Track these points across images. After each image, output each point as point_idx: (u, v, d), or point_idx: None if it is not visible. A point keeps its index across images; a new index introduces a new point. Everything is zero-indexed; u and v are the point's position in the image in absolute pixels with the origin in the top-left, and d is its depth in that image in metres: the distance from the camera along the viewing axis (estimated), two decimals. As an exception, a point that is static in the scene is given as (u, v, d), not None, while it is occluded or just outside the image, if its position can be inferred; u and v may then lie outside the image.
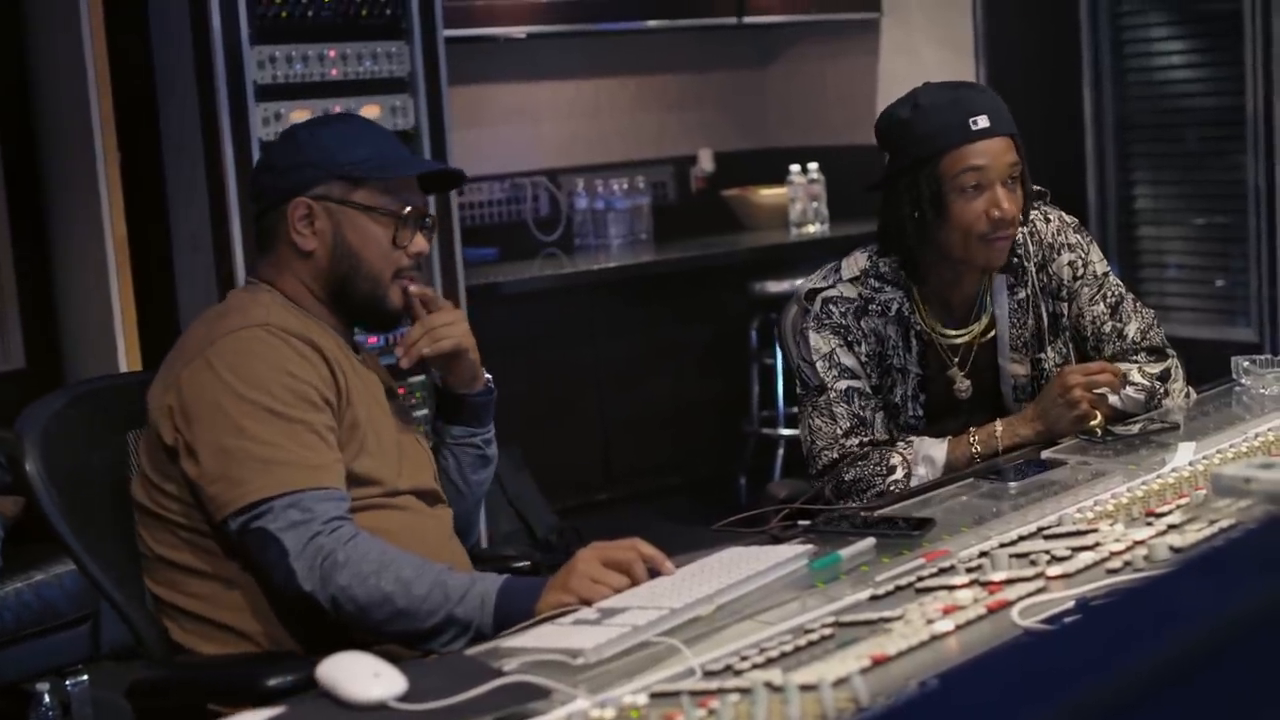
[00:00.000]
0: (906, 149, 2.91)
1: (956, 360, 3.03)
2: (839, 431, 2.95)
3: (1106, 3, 6.03)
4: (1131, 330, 3.09)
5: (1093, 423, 2.87)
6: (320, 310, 2.51)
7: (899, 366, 2.99)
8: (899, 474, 2.88)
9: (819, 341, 2.98)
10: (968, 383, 3.03)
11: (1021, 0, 6.11)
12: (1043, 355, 3.05)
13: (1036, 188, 3.07)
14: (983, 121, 2.87)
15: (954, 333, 3.04)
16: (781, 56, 6.83)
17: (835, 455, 2.94)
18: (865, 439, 2.94)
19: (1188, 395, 3.13)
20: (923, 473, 2.88)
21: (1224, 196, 5.86)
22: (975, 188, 2.88)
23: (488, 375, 2.70)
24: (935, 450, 2.91)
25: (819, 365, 2.98)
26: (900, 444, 2.94)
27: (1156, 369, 3.07)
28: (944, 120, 2.88)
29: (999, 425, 2.92)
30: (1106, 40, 6.06)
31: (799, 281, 5.74)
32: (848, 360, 2.97)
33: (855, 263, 3.03)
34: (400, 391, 2.72)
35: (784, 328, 3.27)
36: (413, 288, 2.53)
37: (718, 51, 6.71)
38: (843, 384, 2.96)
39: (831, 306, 2.98)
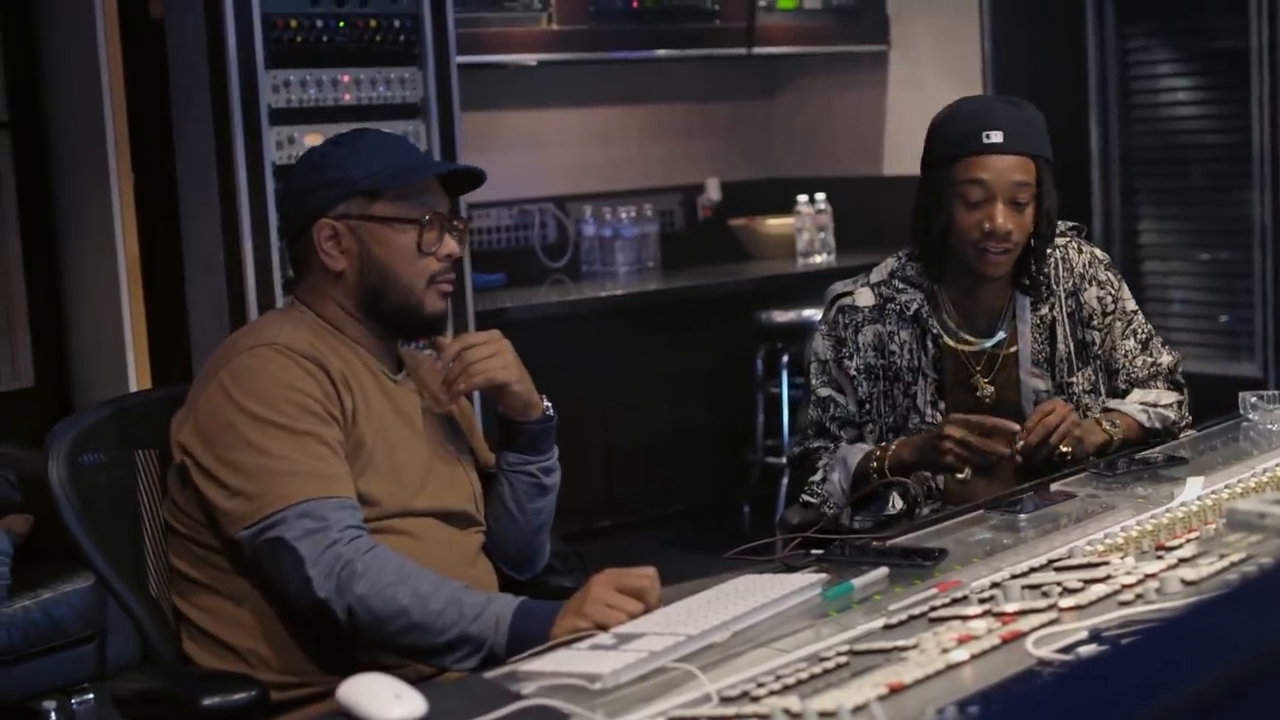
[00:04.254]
0: (932, 149, 3.05)
1: (979, 369, 3.09)
2: (809, 433, 3.11)
3: (1114, 39, 6.07)
4: (1165, 361, 3.20)
5: (959, 475, 2.90)
6: (358, 330, 2.53)
7: (912, 369, 3.05)
8: (818, 475, 3.02)
9: (821, 347, 3.12)
10: (991, 388, 3.08)
11: (1029, 35, 6.14)
12: (1073, 380, 3.11)
13: (1072, 224, 3.18)
14: (996, 137, 2.95)
15: (974, 340, 3.09)
16: (789, 87, 6.86)
17: (798, 451, 3.13)
18: (827, 445, 3.07)
19: (1185, 420, 3.22)
20: (836, 477, 3.00)
21: (1230, 232, 5.88)
22: (977, 200, 2.96)
23: (547, 404, 2.69)
24: (851, 456, 3.00)
25: (814, 366, 3.13)
26: (834, 447, 3.06)
27: (1173, 399, 3.17)
28: (963, 129, 2.99)
29: (893, 445, 2.97)
30: (1114, 76, 6.09)
31: (805, 312, 5.82)
32: (836, 372, 3.09)
33: (885, 265, 3.13)
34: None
35: None
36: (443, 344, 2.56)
37: (726, 82, 6.75)
38: (825, 391, 3.10)
39: (841, 315, 3.10)
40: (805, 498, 3.03)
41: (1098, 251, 3.20)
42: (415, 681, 1.96)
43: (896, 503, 2.96)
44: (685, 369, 6.32)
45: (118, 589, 2.45)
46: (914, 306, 3.06)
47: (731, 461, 6.24)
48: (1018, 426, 2.85)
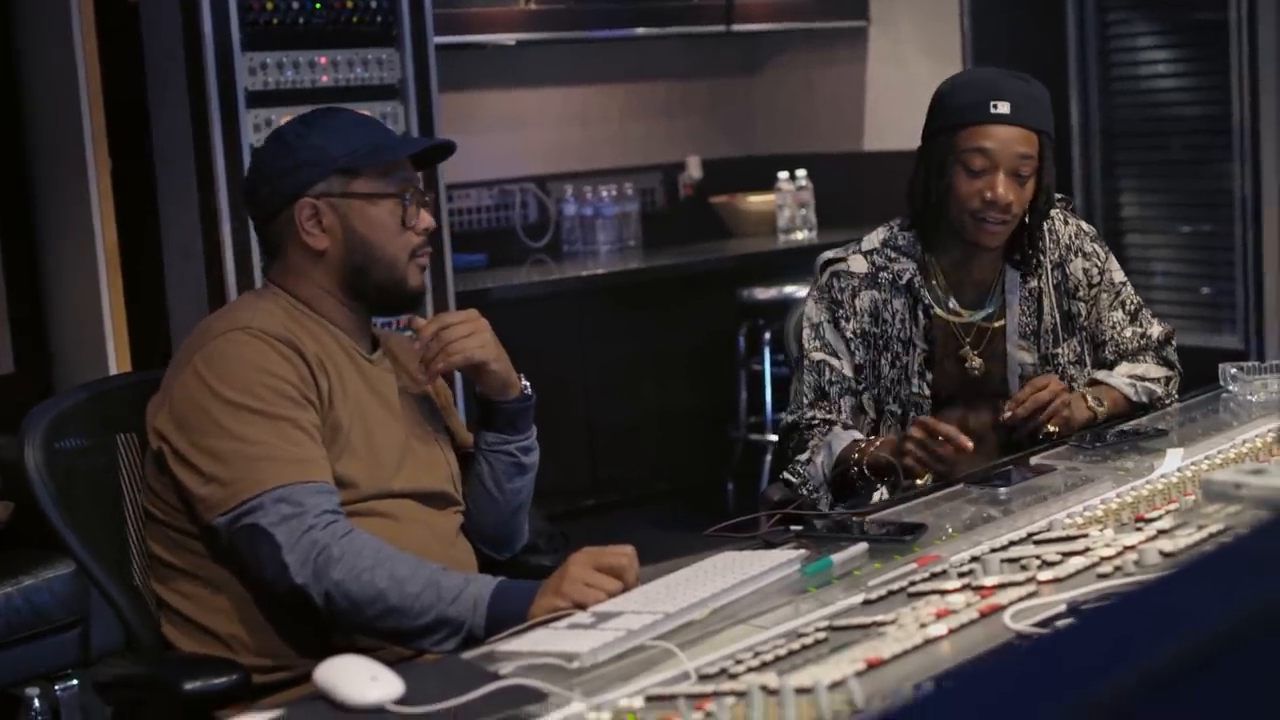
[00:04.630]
0: (936, 117, 3.05)
1: (968, 340, 3.09)
2: (804, 400, 3.06)
3: (1093, 12, 6.06)
4: (1155, 332, 3.22)
5: (918, 481, 2.84)
6: (336, 310, 2.52)
7: (903, 338, 3.05)
8: (805, 455, 2.98)
9: (813, 311, 3.09)
10: (980, 360, 3.09)
11: (1008, 8, 6.13)
12: (1058, 351, 3.12)
13: (1060, 195, 3.17)
14: (1003, 107, 2.96)
15: (964, 312, 3.09)
16: (769, 64, 6.85)
17: (791, 419, 3.07)
18: (826, 415, 3.03)
19: (1172, 395, 3.23)
20: (820, 461, 2.95)
21: (1210, 205, 5.88)
22: (979, 168, 2.96)
23: (525, 383, 2.68)
24: (837, 443, 2.95)
25: (806, 332, 3.09)
26: (830, 429, 3.01)
27: (1161, 374, 3.18)
28: (971, 98, 2.99)
29: (875, 443, 2.91)
30: (1093, 49, 6.08)
31: (787, 289, 5.82)
32: (831, 336, 3.06)
33: (877, 234, 3.13)
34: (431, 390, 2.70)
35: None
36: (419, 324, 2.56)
37: (706, 59, 6.73)
38: (818, 355, 3.06)
39: (835, 280, 3.07)
40: (787, 475, 3.02)
41: (1084, 224, 3.21)
42: (393, 663, 1.96)
43: (883, 494, 2.91)
44: (667, 347, 6.32)
45: (96, 574, 2.44)
46: (906, 276, 3.06)
47: (714, 439, 6.24)
48: (969, 445, 2.74)
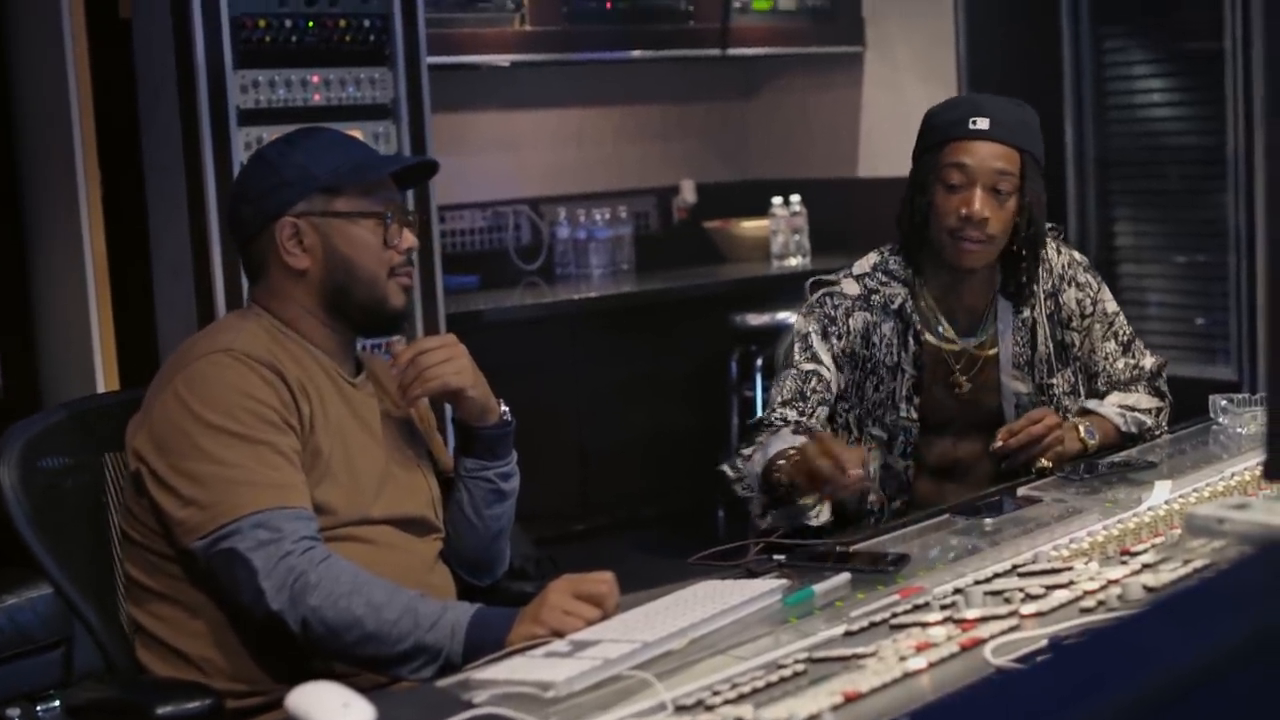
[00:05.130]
0: (921, 138, 3.06)
1: (958, 367, 3.07)
2: (779, 399, 3.00)
3: (1089, 39, 6.06)
4: (1148, 363, 3.21)
5: (806, 501, 2.76)
6: (318, 332, 2.50)
7: (890, 364, 3.02)
8: (748, 450, 2.88)
9: (802, 324, 3.07)
10: (969, 385, 3.07)
11: (1004, 35, 6.13)
12: (1053, 381, 3.10)
13: (1052, 225, 3.16)
14: (982, 123, 2.96)
15: (957, 341, 3.08)
16: (765, 89, 6.85)
17: (759, 417, 3.02)
18: (797, 416, 2.95)
19: (1162, 426, 3.23)
20: (758, 459, 2.82)
21: (1205, 235, 5.87)
22: (957, 184, 2.95)
23: (504, 408, 2.66)
24: (776, 443, 2.79)
25: (796, 345, 3.05)
26: (783, 426, 2.91)
27: (1153, 405, 3.17)
28: (953, 116, 3.01)
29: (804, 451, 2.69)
30: (1089, 77, 6.08)
31: (780, 314, 5.80)
32: (819, 346, 3.03)
33: (867, 259, 3.12)
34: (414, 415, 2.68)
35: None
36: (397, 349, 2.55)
37: (701, 83, 6.72)
38: (807, 365, 3.02)
39: (826, 299, 3.06)
40: (725, 468, 2.93)
41: (1076, 253, 3.20)
42: (367, 690, 1.94)
43: (822, 514, 2.83)
44: (660, 372, 6.30)
45: (70, 595, 2.42)
46: (898, 301, 3.05)
47: (706, 465, 6.17)
48: (855, 475, 2.53)
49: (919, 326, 3.04)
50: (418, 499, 2.56)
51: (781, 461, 2.72)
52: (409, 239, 2.51)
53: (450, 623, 2.20)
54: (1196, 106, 5.87)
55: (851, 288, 3.07)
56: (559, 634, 2.10)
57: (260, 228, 2.49)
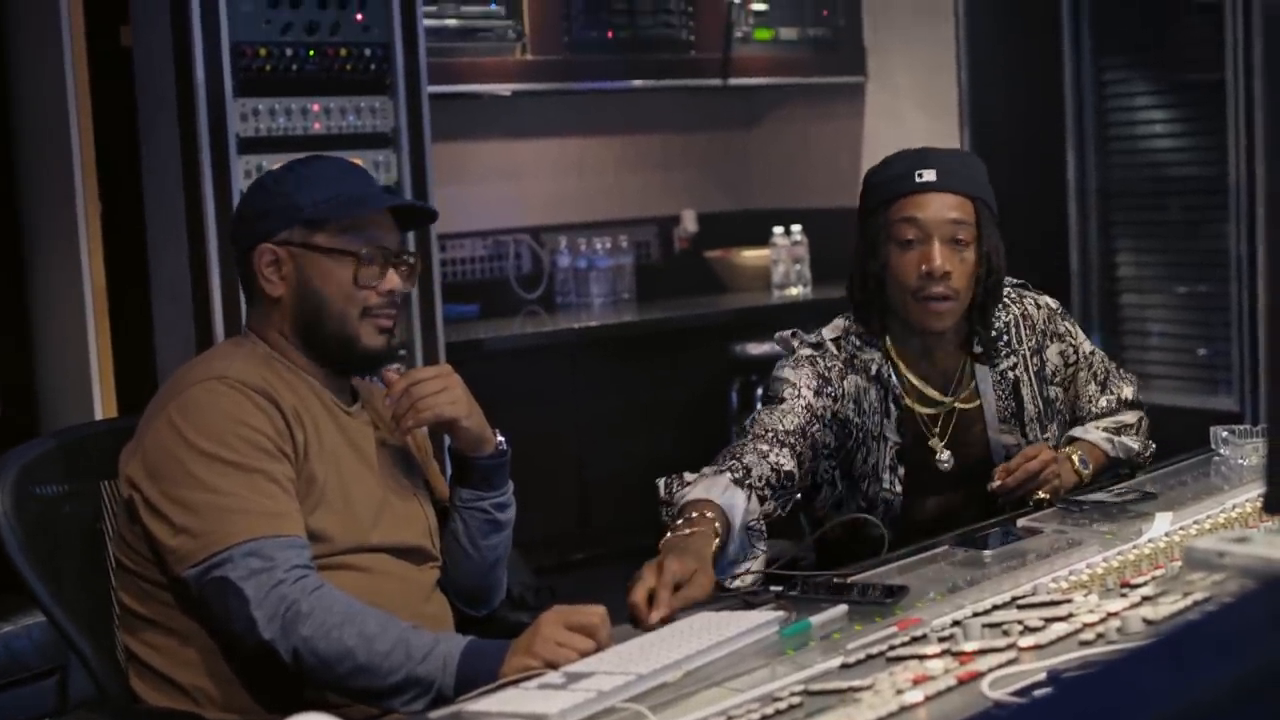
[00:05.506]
0: (866, 199, 2.93)
1: (936, 430, 2.98)
2: (781, 427, 2.79)
3: (1090, 70, 6.05)
4: (1127, 392, 3.15)
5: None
6: (303, 360, 2.49)
7: (876, 434, 2.92)
8: (690, 476, 2.69)
9: (792, 374, 2.88)
10: (948, 453, 2.97)
11: (1006, 66, 6.13)
12: (1046, 436, 3.04)
13: (1016, 280, 3.06)
14: (929, 175, 2.84)
15: (936, 399, 2.98)
16: (766, 119, 6.85)
17: (750, 444, 2.77)
18: (757, 435, 2.77)
19: (1149, 448, 3.16)
20: (678, 495, 2.65)
21: (1206, 265, 5.86)
22: (911, 240, 2.84)
23: (500, 438, 2.64)
24: (693, 492, 2.61)
25: (786, 390, 2.85)
26: (721, 473, 2.69)
27: (1132, 418, 3.13)
28: (895, 172, 2.88)
29: (695, 526, 2.54)
30: (1090, 108, 6.07)
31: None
32: (816, 402, 2.86)
33: (836, 325, 2.99)
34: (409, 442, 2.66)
35: None
36: (389, 377, 2.52)
37: (703, 112, 6.72)
38: (793, 422, 2.81)
39: (817, 354, 2.92)
40: (659, 483, 2.75)
41: (1050, 301, 3.11)
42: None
43: (754, 564, 2.63)
44: (659, 401, 6.27)
45: (62, 623, 2.41)
46: (874, 366, 2.93)
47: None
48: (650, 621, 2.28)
49: (898, 392, 2.93)
50: (414, 528, 2.55)
51: (680, 522, 2.55)
52: (392, 281, 2.48)
53: (442, 655, 2.18)
54: (1198, 137, 5.86)
55: (834, 350, 2.93)
56: (552, 666, 2.09)
57: (245, 250, 2.50)
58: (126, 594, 2.42)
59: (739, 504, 2.62)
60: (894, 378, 2.94)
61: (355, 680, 2.20)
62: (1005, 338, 3.02)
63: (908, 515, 2.95)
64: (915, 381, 2.97)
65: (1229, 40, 5.51)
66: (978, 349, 2.98)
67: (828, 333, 2.97)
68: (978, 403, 3.01)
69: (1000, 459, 2.99)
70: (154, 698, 2.37)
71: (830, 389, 2.89)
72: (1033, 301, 3.08)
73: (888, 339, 2.95)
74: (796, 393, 2.86)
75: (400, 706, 2.19)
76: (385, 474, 2.53)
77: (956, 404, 2.99)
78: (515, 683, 2.05)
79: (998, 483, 2.88)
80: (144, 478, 2.34)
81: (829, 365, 2.91)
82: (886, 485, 2.93)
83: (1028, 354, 3.04)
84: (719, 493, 2.61)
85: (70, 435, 2.66)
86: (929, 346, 2.96)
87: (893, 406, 2.93)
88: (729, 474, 2.70)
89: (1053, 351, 3.08)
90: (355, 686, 2.21)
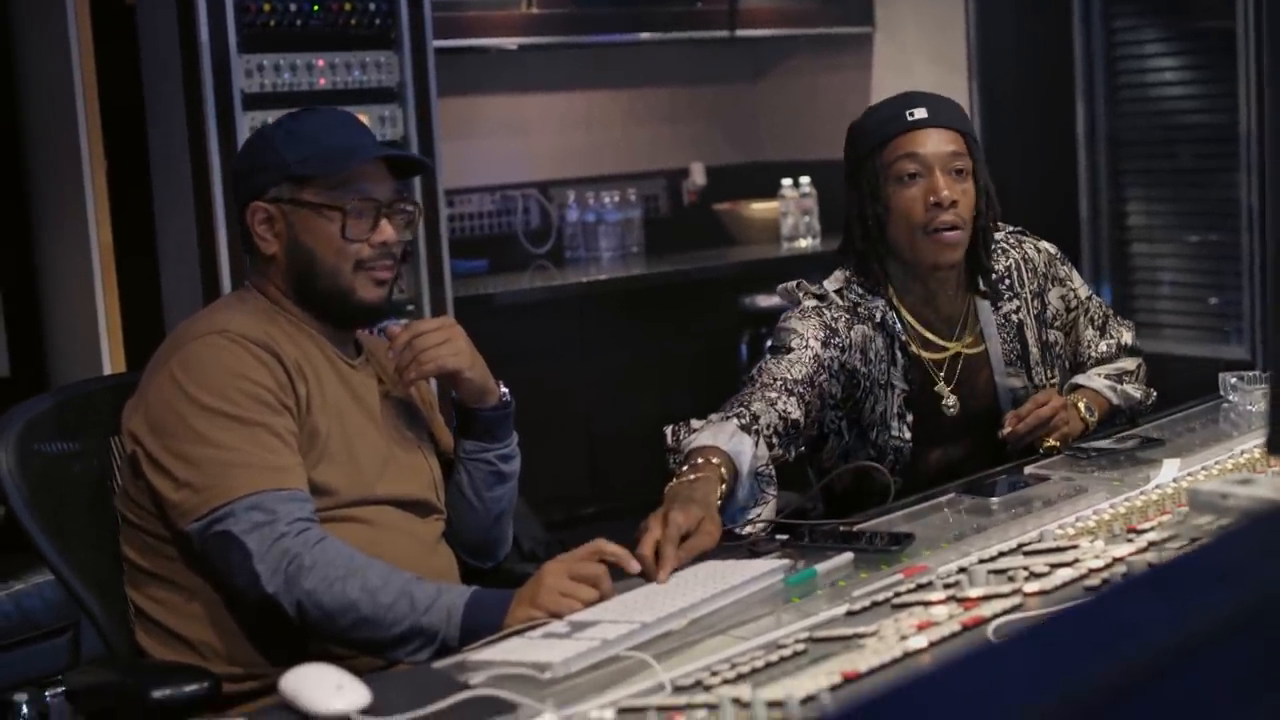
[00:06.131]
0: (854, 148, 2.93)
1: (942, 375, 2.97)
2: (791, 375, 2.79)
3: (1100, 18, 6.01)
4: (1126, 338, 3.14)
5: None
6: (302, 313, 2.48)
7: (883, 382, 2.91)
8: (696, 423, 2.68)
9: (800, 325, 2.86)
10: (954, 398, 2.97)
11: (1015, 15, 6.09)
12: (1054, 380, 3.05)
13: (1013, 227, 3.07)
14: (920, 113, 2.86)
15: (940, 344, 2.98)
16: (774, 70, 6.81)
17: (759, 392, 2.77)
18: (764, 383, 2.78)
19: (1151, 396, 3.15)
20: (685, 441, 2.65)
21: (1218, 214, 5.83)
22: (913, 176, 2.85)
23: (504, 390, 2.64)
24: (699, 438, 2.60)
25: (794, 340, 2.84)
26: (727, 420, 2.69)
27: (1132, 364, 3.13)
28: (884, 115, 2.90)
29: (701, 472, 2.55)
30: (1100, 56, 6.04)
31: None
32: (824, 353, 2.83)
33: (836, 277, 2.98)
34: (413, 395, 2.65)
35: None
36: (392, 331, 2.51)
37: (710, 65, 6.69)
38: (801, 371, 2.80)
39: (822, 304, 2.90)
40: (666, 430, 2.75)
41: (1048, 246, 3.11)
42: (363, 671, 1.92)
43: (765, 510, 2.61)
44: (669, 355, 6.27)
45: (69, 579, 2.41)
46: (879, 314, 2.91)
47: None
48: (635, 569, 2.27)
49: (904, 338, 2.93)
50: (419, 480, 2.55)
51: (685, 469, 2.55)
52: (384, 232, 2.45)
53: (446, 605, 2.18)
54: (1209, 85, 5.83)
55: (839, 300, 2.92)
56: (556, 616, 2.09)
57: (240, 208, 2.50)
58: (131, 549, 2.42)
59: (746, 450, 2.60)
60: (899, 325, 2.93)
61: (359, 632, 2.20)
62: (1007, 280, 3.03)
63: (917, 464, 2.94)
64: (919, 328, 2.96)
65: (1240, -13, 5.47)
66: (983, 286, 2.98)
67: (830, 284, 2.95)
68: (983, 347, 3.00)
69: (1007, 405, 2.99)
70: (160, 652, 2.38)
71: (837, 339, 2.86)
72: (1032, 246, 3.08)
73: (891, 288, 2.95)
74: (804, 343, 2.84)
75: (404, 657, 2.19)
76: (389, 427, 2.53)
77: (962, 349, 2.99)
78: (520, 632, 2.05)
79: (1008, 429, 2.87)
80: (146, 432, 2.34)
81: (835, 316, 2.89)
82: (895, 433, 2.92)
83: (1029, 297, 3.04)
84: (725, 439, 2.60)
85: (71, 392, 2.65)
86: (932, 291, 2.95)
87: (899, 354, 2.92)
88: (735, 420, 2.69)
89: (1054, 295, 3.07)
90: (359, 638, 2.21)
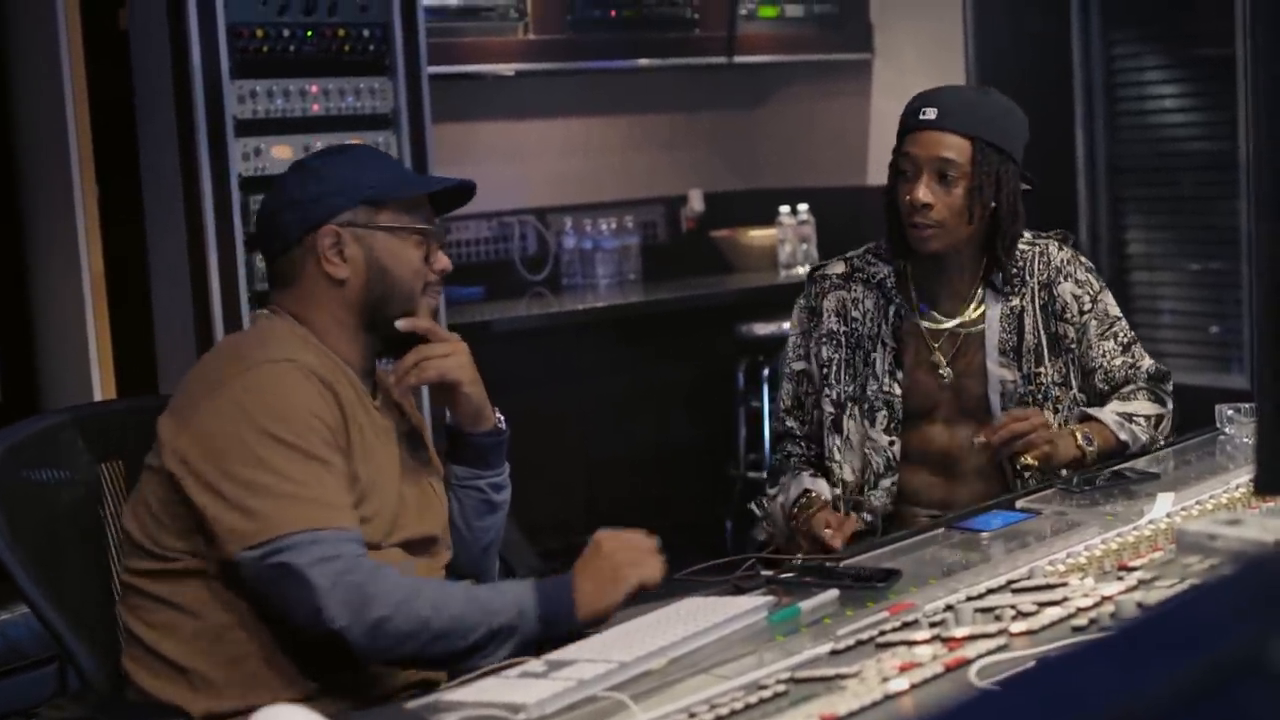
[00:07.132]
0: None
1: (938, 346, 3.09)
2: (782, 406, 3.21)
3: (1099, 45, 6.00)
4: (1146, 364, 3.18)
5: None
6: (347, 346, 2.44)
7: (873, 335, 3.09)
8: (773, 490, 3.15)
9: (796, 320, 3.20)
10: (949, 369, 3.08)
11: (1014, 41, 6.07)
12: (1040, 370, 3.07)
13: (1060, 230, 3.21)
14: (930, 113, 3.02)
15: (939, 319, 3.11)
16: (772, 97, 6.79)
17: (777, 428, 3.24)
18: (801, 421, 3.18)
19: (1157, 444, 3.15)
20: (780, 500, 3.11)
21: (1218, 242, 5.81)
22: (905, 173, 3.03)
23: (500, 416, 2.62)
24: (795, 487, 3.09)
25: (790, 341, 3.21)
26: (800, 452, 3.18)
27: (1153, 411, 3.11)
28: (909, 108, 3.09)
29: (818, 503, 3.06)
30: (1100, 83, 6.02)
31: (787, 324, 5.73)
32: (810, 343, 3.16)
33: (865, 246, 3.22)
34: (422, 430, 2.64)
35: None
36: (404, 323, 2.47)
37: (708, 91, 6.67)
38: (799, 365, 3.18)
39: (812, 286, 3.18)
40: (753, 506, 3.18)
41: (1083, 258, 3.19)
42: (334, 713, 1.89)
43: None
44: (666, 382, 6.24)
45: (43, 610, 2.35)
46: (880, 276, 3.13)
47: (713, 476, 6.16)
48: (836, 544, 2.86)
49: (899, 301, 3.11)
50: (433, 518, 2.52)
51: (796, 510, 3.03)
52: (444, 260, 2.49)
53: (514, 602, 2.22)
54: (1208, 112, 5.81)
55: (837, 268, 3.18)
56: (647, 586, 2.26)
57: (300, 235, 2.43)
58: (134, 571, 2.34)
59: (824, 489, 3.08)
60: (896, 290, 3.12)
61: (435, 647, 2.20)
62: (1017, 269, 3.12)
63: (911, 433, 3.08)
64: (922, 301, 3.13)
65: (1239, 14, 5.45)
66: (999, 284, 3.11)
67: (852, 252, 3.20)
68: (981, 327, 3.09)
69: (996, 394, 3.07)
70: (145, 679, 2.31)
71: (815, 318, 3.15)
72: (1058, 246, 3.17)
73: (906, 262, 3.14)
74: (795, 342, 3.20)
75: (480, 661, 2.18)
76: (406, 469, 2.48)
77: (962, 329, 3.10)
78: (496, 671, 2.02)
79: (981, 439, 2.90)
80: (198, 454, 2.27)
81: (818, 291, 3.16)
82: (885, 386, 3.08)
83: (1036, 287, 3.12)
84: (809, 482, 3.07)
85: (68, 414, 2.60)
86: (938, 269, 3.11)
87: (892, 313, 3.10)
88: (805, 470, 3.12)
89: (1066, 288, 3.12)
90: (436, 653, 2.22)
